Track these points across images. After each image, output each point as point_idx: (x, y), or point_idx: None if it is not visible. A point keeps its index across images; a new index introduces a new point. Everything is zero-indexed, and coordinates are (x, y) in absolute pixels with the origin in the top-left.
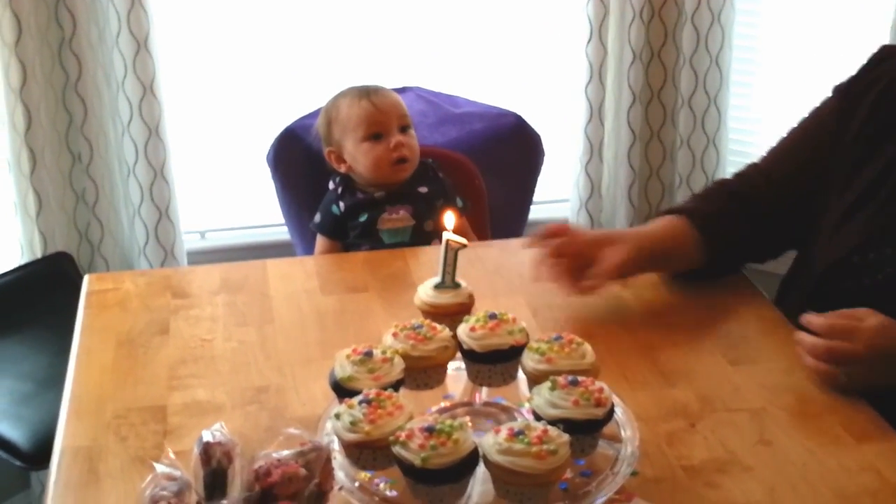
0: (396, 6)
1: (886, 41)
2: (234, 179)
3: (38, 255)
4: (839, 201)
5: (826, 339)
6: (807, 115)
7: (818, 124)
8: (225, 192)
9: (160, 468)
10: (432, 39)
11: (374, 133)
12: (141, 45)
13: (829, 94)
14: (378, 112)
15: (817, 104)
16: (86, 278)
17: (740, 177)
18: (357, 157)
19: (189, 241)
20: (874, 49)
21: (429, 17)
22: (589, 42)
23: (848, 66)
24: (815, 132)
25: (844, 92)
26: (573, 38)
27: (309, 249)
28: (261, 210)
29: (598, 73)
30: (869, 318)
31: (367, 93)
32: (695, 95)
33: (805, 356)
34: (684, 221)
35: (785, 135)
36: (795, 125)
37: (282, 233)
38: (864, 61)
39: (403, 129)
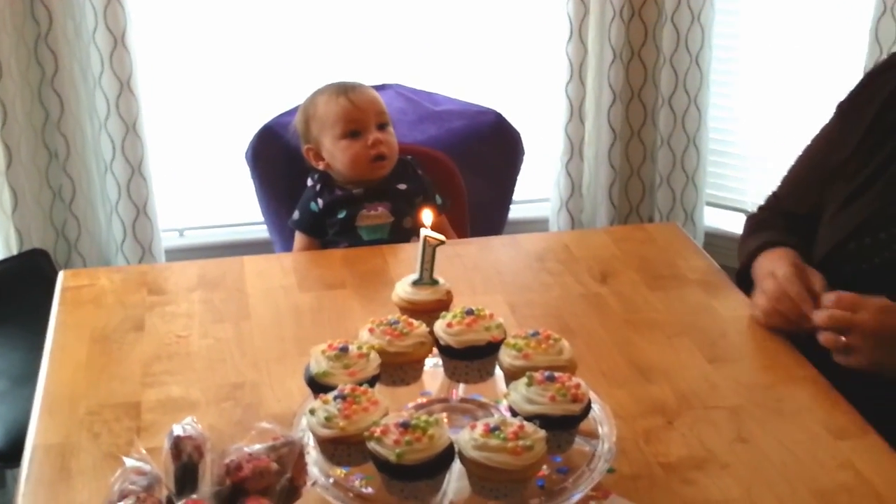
0: (376, 3)
1: (865, 41)
2: (213, 177)
3: (14, 251)
4: (837, 194)
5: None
6: (814, 136)
7: (823, 144)
8: (203, 189)
9: (130, 462)
10: (412, 36)
11: (352, 130)
12: (118, 40)
13: (833, 110)
14: (356, 109)
15: (825, 122)
16: (60, 274)
17: (764, 209)
18: (335, 154)
19: (167, 238)
20: (861, 52)
21: (409, 15)
22: (569, 41)
23: (826, 64)
24: (820, 153)
25: (846, 107)
26: (553, 36)
27: (288, 247)
28: (239, 208)
29: (578, 72)
30: (867, 303)
31: (344, 90)
32: (675, 95)
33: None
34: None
35: (795, 160)
36: (804, 148)
37: (261, 231)
38: (870, 70)
39: (381, 126)
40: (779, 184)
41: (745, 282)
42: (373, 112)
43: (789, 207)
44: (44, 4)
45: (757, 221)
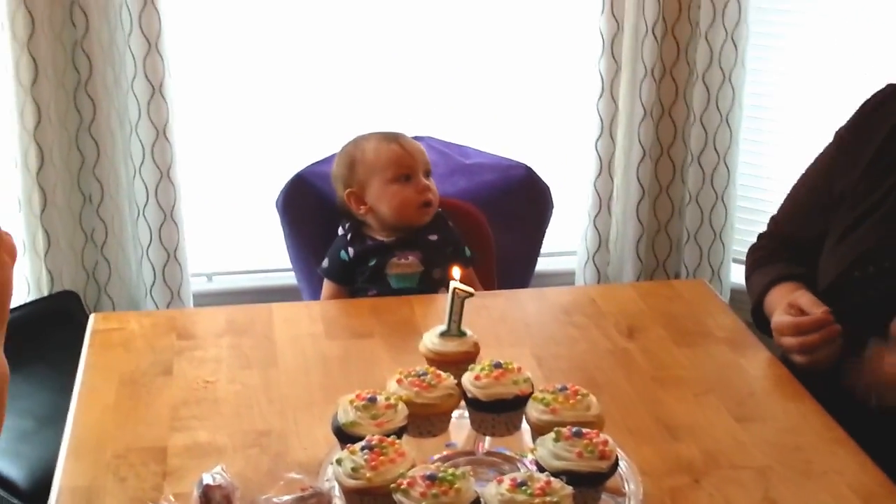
0: (408, 57)
1: None
2: (243, 223)
3: (45, 292)
4: (839, 222)
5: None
6: (811, 163)
7: (824, 171)
8: (233, 235)
9: None
10: (445, 90)
11: (404, 174)
12: (156, 89)
13: (832, 139)
14: (408, 155)
15: (821, 150)
16: (91, 317)
17: (764, 237)
18: (383, 197)
19: (196, 283)
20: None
21: (441, 68)
22: (600, 97)
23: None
24: (821, 180)
25: (845, 135)
26: (585, 92)
27: (315, 295)
28: (268, 254)
29: (608, 128)
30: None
31: (395, 137)
32: (704, 152)
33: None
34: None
35: (793, 187)
36: (801, 175)
37: (288, 278)
38: (869, 98)
39: (426, 174)
40: (777, 210)
41: (759, 319)
42: (421, 160)
43: (790, 233)
44: (84, 52)
45: (761, 255)
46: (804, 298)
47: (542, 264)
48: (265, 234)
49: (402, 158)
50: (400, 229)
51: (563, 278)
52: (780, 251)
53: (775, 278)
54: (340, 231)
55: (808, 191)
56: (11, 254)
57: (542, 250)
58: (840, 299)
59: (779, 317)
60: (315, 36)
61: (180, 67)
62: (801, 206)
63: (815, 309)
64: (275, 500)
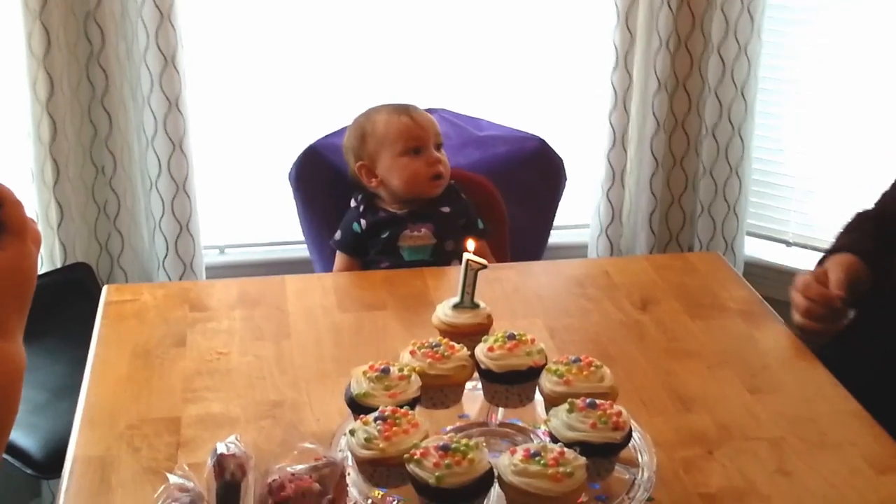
0: (421, 29)
1: None
2: (256, 196)
3: (58, 265)
4: None
5: None
6: None
7: None
8: (246, 208)
9: (173, 479)
10: (458, 62)
11: (414, 147)
12: (168, 61)
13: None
14: (418, 127)
15: None
16: (104, 289)
17: (876, 205)
18: (393, 170)
19: (208, 255)
20: None
21: (454, 40)
22: (615, 69)
23: (873, 98)
24: None
25: None
26: (599, 65)
27: (328, 267)
28: (281, 227)
29: (622, 101)
30: None
31: (405, 109)
32: (719, 125)
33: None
34: (856, 259)
35: None
36: None
37: (301, 250)
38: None
39: (437, 146)
40: (892, 184)
41: None
42: (432, 132)
43: (892, 207)
44: (97, 24)
45: (851, 222)
46: (835, 273)
47: (556, 237)
48: (278, 207)
49: (413, 131)
50: (412, 201)
51: (576, 251)
52: (867, 223)
53: (839, 247)
54: (353, 203)
55: None
56: (37, 242)
57: (556, 223)
58: None
59: (803, 275)
60: (329, 7)
61: (193, 39)
62: None
63: (836, 288)
64: (289, 468)
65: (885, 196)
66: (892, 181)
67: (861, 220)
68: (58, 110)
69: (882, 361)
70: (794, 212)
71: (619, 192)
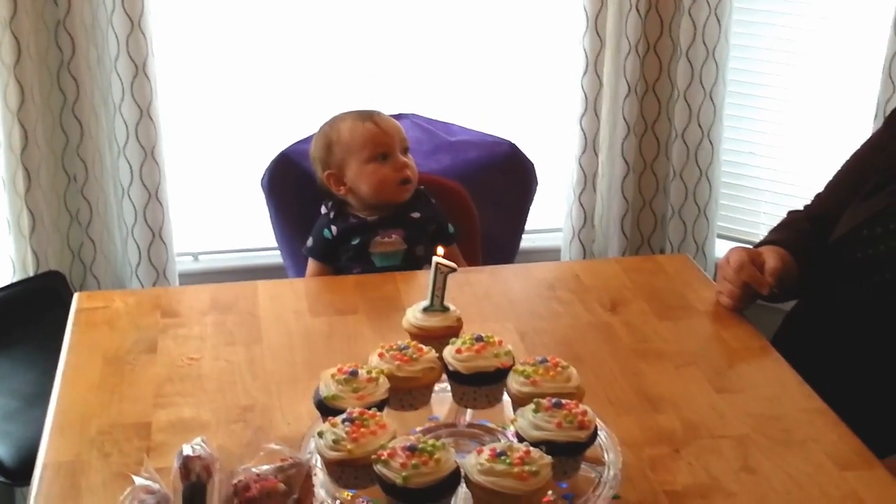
0: (393, 34)
1: (878, 78)
2: (228, 203)
3: (31, 273)
4: (865, 187)
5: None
6: (863, 142)
7: (868, 147)
8: (218, 215)
9: (139, 481)
10: (428, 67)
11: (380, 153)
12: (139, 68)
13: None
14: (383, 133)
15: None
16: (75, 296)
17: (809, 206)
18: (361, 177)
19: (182, 262)
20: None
21: (425, 45)
22: (584, 74)
23: (839, 100)
24: (865, 154)
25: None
26: (569, 69)
27: (301, 273)
28: (254, 233)
29: (593, 105)
30: None
31: (369, 115)
32: (688, 129)
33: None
34: (784, 251)
35: (844, 161)
36: (852, 152)
37: (274, 256)
38: None
39: (404, 151)
40: (824, 186)
41: None
42: (398, 137)
43: (828, 208)
44: (68, 32)
45: (784, 220)
46: (772, 261)
47: (528, 241)
48: (251, 213)
49: (378, 137)
50: (381, 208)
51: (548, 255)
52: (801, 222)
53: (772, 240)
54: (323, 210)
55: (850, 169)
56: None
57: (528, 227)
58: (846, 254)
59: (739, 252)
60: (299, 14)
61: (163, 46)
62: (841, 181)
63: (770, 276)
64: (254, 469)
65: (820, 198)
66: (825, 184)
67: (796, 218)
68: (29, 119)
69: (829, 352)
70: (764, 214)
71: (591, 195)
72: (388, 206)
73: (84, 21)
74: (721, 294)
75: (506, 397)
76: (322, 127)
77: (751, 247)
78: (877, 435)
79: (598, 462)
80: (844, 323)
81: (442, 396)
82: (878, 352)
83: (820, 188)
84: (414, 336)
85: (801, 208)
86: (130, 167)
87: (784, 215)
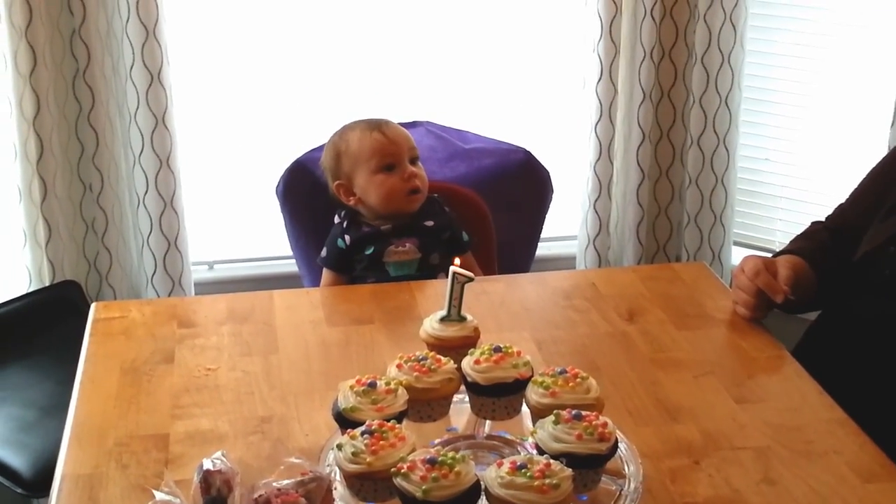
0: (408, 41)
1: (893, 84)
2: (244, 211)
3: (47, 282)
4: (890, 199)
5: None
6: (885, 155)
7: (891, 160)
8: (234, 223)
9: (159, 496)
10: (444, 75)
11: (388, 164)
12: (154, 77)
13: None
14: (391, 143)
15: None
16: (92, 306)
17: (830, 217)
18: (370, 188)
19: (197, 271)
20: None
21: (441, 53)
22: (599, 81)
23: (856, 105)
24: (887, 167)
25: None
26: (584, 76)
27: (316, 282)
28: (269, 242)
29: (608, 112)
30: None
31: (377, 125)
32: (704, 135)
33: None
34: (802, 260)
35: (866, 173)
36: (874, 164)
37: (290, 265)
38: None
39: (413, 160)
40: (846, 198)
41: None
42: (406, 147)
43: (849, 220)
44: (83, 41)
45: (805, 231)
46: (785, 270)
47: (543, 249)
48: (266, 222)
49: (386, 147)
50: (393, 217)
51: (563, 263)
52: (822, 232)
53: (791, 249)
54: (336, 219)
55: (868, 181)
56: None
57: (543, 235)
58: (871, 271)
59: (754, 260)
60: (314, 21)
61: (178, 55)
62: (858, 196)
63: (784, 283)
64: (274, 483)
65: (843, 209)
66: (849, 195)
67: (816, 229)
68: (44, 128)
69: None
70: (781, 220)
71: (606, 203)
72: (398, 215)
73: (99, 29)
74: (737, 304)
75: (524, 408)
76: (332, 136)
77: (766, 255)
78: None
79: (619, 474)
80: (869, 338)
81: (460, 407)
82: None
83: (837, 195)
84: (431, 346)
85: (823, 219)
86: (146, 176)
87: (800, 222)
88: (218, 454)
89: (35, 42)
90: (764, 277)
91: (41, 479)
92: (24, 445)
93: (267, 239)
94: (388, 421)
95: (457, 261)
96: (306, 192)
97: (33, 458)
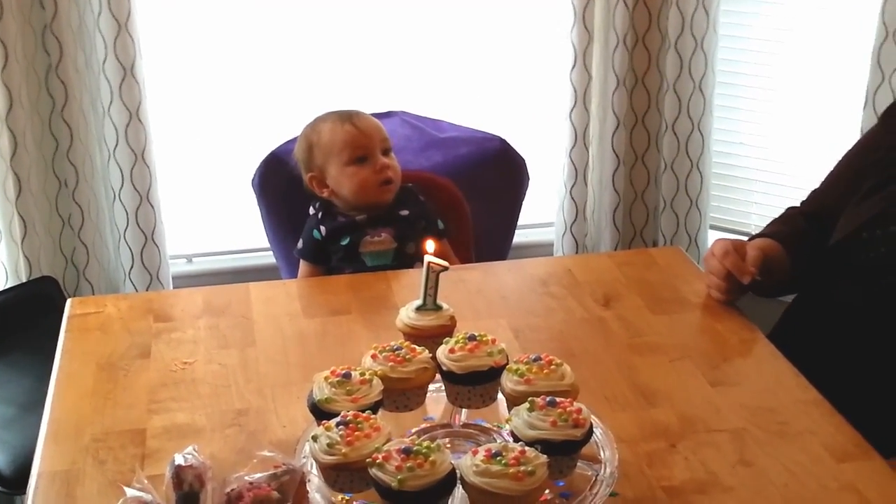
0: (381, 32)
1: (867, 66)
2: (220, 204)
3: (23, 279)
4: (864, 186)
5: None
6: (858, 139)
7: (863, 145)
8: (211, 216)
9: (131, 492)
10: (417, 64)
11: (360, 156)
12: (127, 71)
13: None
14: (362, 135)
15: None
16: (68, 302)
17: (805, 202)
18: (342, 180)
19: (175, 265)
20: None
21: (414, 42)
22: (573, 68)
23: (829, 89)
24: (860, 152)
25: (890, 111)
26: (558, 64)
27: (294, 273)
28: (247, 235)
29: (582, 99)
30: None
31: (348, 116)
32: (678, 120)
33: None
34: (776, 244)
35: (840, 158)
36: (848, 149)
37: (268, 257)
38: None
39: (385, 151)
40: (820, 182)
41: None
42: (378, 138)
43: (824, 205)
44: (55, 36)
45: (780, 216)
46: (752, 251)
47: (521, 236)
48: (244, 215)
49: (357, 139)
50: (368, 207)
51: (541, 250)
52: (797, 217)
53: (765, 233)
54: (311, 211)
55: (846, 165)
56: None
57: (520, 222)
58: (846, 257)
59: (723, 242)
60: (287, 13)
61: (151, 48)
62: (839, 177)
63: (751, 264)
64: (246, 477)
65: (817, 194)
66: (823, 180)
67: (792, 214)
68: (17, 124)
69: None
70: (756, 203)
71: (583, 189)
72: (372, 206)
73: (71, 24)
74: (710, 287)
75: (500, 396)
76: (304, 128)
77: (741, 238)
78: (875, 435)
79: (595, 460)
80: (843, 323)
81: (436, 396)
82: (876, 354)
83: (811, 177)
84: (408, 335)
85: (798, 204)
86: (121, 170)
87: (775, 204)
88: (189, 449)
89: (6, 37)
90: (732, 258)
91: (21, 476)
92: (4, 442)
93: (246, 231)
94: (364, 411)
95: (429, 243)
96: (282, 184)
97: (13, 455)
